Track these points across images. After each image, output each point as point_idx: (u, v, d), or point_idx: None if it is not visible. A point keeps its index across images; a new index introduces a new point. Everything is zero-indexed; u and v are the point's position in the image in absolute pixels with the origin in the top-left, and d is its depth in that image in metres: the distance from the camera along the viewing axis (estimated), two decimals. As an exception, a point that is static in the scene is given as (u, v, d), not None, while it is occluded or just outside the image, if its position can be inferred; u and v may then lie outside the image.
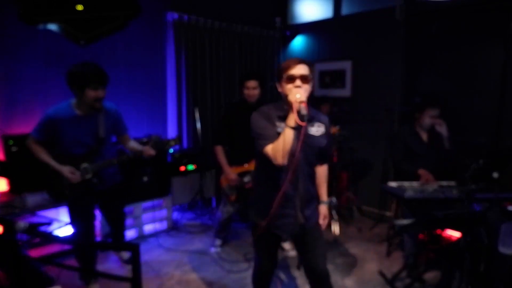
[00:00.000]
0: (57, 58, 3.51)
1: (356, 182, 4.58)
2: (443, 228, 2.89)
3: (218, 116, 4.69)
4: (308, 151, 1.95)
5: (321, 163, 2.17)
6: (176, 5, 4.24)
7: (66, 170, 2.41)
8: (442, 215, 2.13)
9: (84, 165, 2.46)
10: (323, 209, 2.16)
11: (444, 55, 3.88)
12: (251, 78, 3.12)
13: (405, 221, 2.21)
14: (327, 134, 2.05)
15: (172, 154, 4.19)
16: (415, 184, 2.85)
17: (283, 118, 1.86)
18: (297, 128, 1.78)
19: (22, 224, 1.69)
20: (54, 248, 3.13)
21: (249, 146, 3.11)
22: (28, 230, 1.69)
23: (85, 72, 2.31)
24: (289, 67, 1.88)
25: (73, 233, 2.65)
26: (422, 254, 3.06)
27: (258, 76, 3.17)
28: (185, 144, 4.56)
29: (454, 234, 3.16)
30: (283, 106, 1.94)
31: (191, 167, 4.27)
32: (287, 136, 1.77)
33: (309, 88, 1.91)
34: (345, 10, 4.72)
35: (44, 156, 2.43)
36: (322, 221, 2.13)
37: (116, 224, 2.90)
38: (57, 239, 2.48)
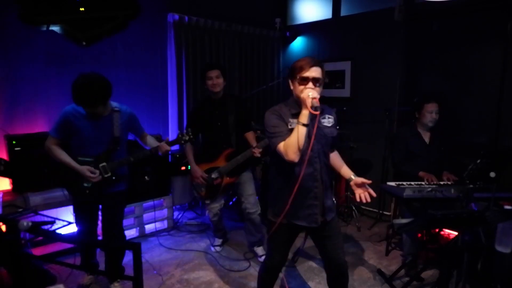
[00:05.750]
0: (58, 58, 3.53)
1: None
2: (442, 227, 2.91)
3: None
4: (323, 142, 2.02)
5: (331, 151, 2.22)
6: (176, 6, 4.26)
7: (85, 169, 2.43)
8: (440, 214, 2.15)
9: (102, 164, 2.49)
10: (359, 179, 2.06)
11: (444, 55, 3.89)
12: (212, 68, 3.06)
13: (403, 221, 2.23)
14: (336, 124, 2.13)
15: (172, 154, 4.21)
16: (413, 183, 2.87)
17: (296, 115, 1.89)
18: (308, 125, 1.84)
19: (25, 223, 1.71)
20: (57, 247, 3.16)
21: (217, 141, 3.14)
22: (30, 229, 1.71)
23: (76, 94, 2.29)
24: (302, 69, 1.90)
25: (77, 231, 2.71)
26: (421, 253, 3.08)
27: (219, 66, 3.15)
28: (185, 144, 4.58)
29: (453, 233, 3.18)
30: (295, 104, 1.99)
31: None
32: (300, 132, 1.82)
33: (321, 90, 1.94)
34: (344, 11, 4.74)
35: (64, 157, 2.44)
36: (368, 181, 2.03)
37: (111, 240, 2.63)
38: (60, 238, 2.50)
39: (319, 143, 2.00)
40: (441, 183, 2.89)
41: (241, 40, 4.93)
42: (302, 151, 1.85)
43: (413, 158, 3.14)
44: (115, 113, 2.52)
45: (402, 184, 2.81)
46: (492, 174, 2.20)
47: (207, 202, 3.26)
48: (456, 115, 3.76)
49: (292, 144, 1.83)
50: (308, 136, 1.87)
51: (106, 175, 2.49)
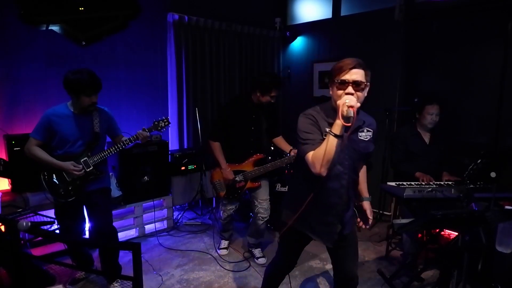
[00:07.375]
0: (58, 58, 3.53)
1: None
2: (442, 227, 2.90)
3: (217, 112, 4.66)
4: (355, 157, 1.83)
5: (363, 164, 2.11)
6: (176, 6, 4.26)
7: (68, 164, 2.48)
8: (440, 214, 2.15)
9: (84, 158, 2.54)
10: (368, 204, 2.09)
11: (444, 55, 3.89)
12: (280, 87, 3.03)
13: (403, 221, 2.22)
14: (374, 137, 1.92)
15: (172, 154, 4.20)
16: (414, 183, 2.86)
17: (332, 125, 1.69)
18: (342, 137, 1.64)
19: (24, 223, 1.70)
20: (56, 247, 3.14)
21: (246, 145, 3.10)
22: (30, 229, 1.71)
23: (81, 81, 2.41)
24: (341, 71, 1.72)
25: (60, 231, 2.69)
26: (421, 253, 3.08)
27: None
28: (185, 144, 4.58)
29: (453, 233, 3.17)
30: (333, 111, 1.77)
31: (191, 167, 4.29)
32: (330, 144, 1.62)
33: (363, 95, 1.76)
34: (344, 10, 4.74)
35: (46, 156, 2.49)
36: (370, 217, 2.08)
37: (104, 238, 2.64)
38: (59, 238, 2.50)
39: (351, 158, 1.81)
40: (440, 183, 2.89)
41: (241, 40, 4.93)
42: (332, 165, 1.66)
43: (413, 158, 3.13)
44: (94, 110, 2.62)
45: (403, 184, 2.81)
46: (493, 174, 2.20)
47: (224, 202, 3.24)
48: (456, 115, 3.76)
49: (319, 156, 1.64)
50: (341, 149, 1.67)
51: (88, 169, 2.54)
